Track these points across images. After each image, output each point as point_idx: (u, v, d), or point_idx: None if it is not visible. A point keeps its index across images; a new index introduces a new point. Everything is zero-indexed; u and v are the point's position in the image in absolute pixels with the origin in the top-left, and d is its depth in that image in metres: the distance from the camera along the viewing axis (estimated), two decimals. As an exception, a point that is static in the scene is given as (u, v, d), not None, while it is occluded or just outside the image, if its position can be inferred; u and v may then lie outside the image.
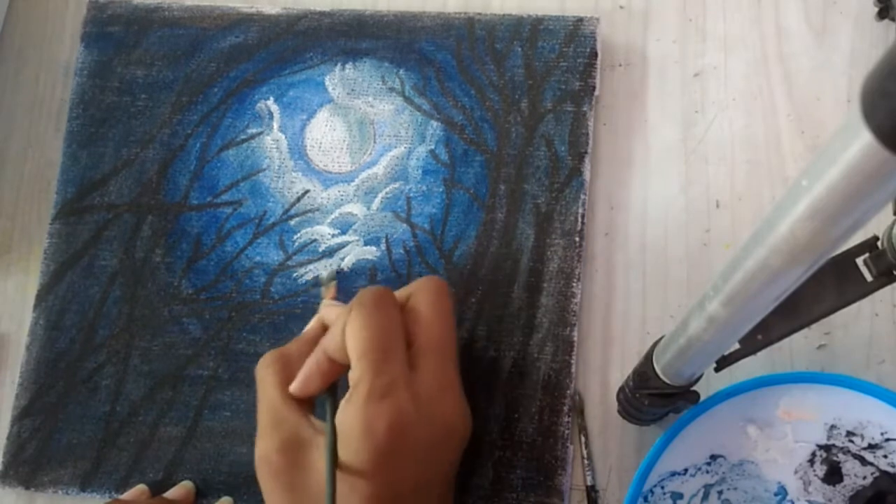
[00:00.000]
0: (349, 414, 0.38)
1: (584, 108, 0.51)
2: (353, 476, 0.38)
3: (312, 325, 0.45)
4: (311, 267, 0.51)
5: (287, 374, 0.42)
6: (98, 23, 0.57)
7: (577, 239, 0.49)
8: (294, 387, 0.41)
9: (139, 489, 0.48)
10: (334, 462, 0.38)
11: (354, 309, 0.40)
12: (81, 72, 0.56)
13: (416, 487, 0.39)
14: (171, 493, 0.48)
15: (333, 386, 0.42)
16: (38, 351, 0.51)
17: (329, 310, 0.45)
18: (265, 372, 0.42)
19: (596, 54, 0.51)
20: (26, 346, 0.52)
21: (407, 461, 0.39)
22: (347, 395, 0.39)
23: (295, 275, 0.51)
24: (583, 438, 0.47)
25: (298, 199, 0.52)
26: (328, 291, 0.47)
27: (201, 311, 0.51)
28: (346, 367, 0.41)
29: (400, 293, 0.43)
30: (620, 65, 0.53)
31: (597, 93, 0.51)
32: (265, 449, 0.40)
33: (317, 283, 0.50)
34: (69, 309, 0.52)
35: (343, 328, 0.40)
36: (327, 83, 0.54)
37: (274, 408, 0.41)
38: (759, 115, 0.51)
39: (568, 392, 0.47)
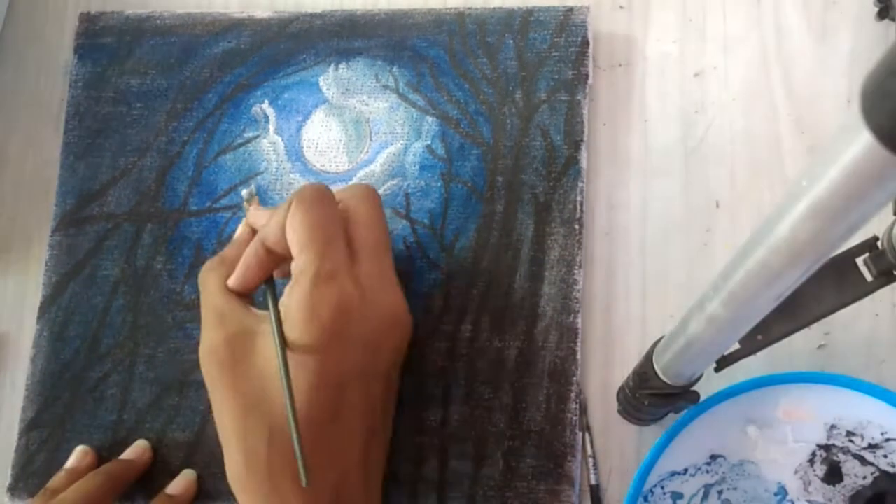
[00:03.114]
0: (295, 298, 0.40)
1: (578, 97, 0.51)
2: (301, 356, 0.40)
3: (241, 229, 0.48)
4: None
5: (227, 274, 0.44)
6: (90, 34, 0.57)
7: (576, 227, 0.49)
8: (233, 280, 0.43)
9: (82, 450, 0.49)
10: (283, 343, 0.40)
11: (296, 201, 0.41)
12: (76, 83, 0.56)
13: (361, 373, 0.41)
14: (172, 486, 0.47)
15: (271, 277, 0.44)
16: (44, 363, 0.51)
17: (257, 214, 0.47)
18: (206, 276, 0.44)
19: (588, 43, 0.51)
20: (31, 358, 0.52)
21: (352, 344, 0.41)
22: (291, 281, 0.41)
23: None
24: (587, 437, 0.47)
25: (297, 200, 0.52)
26: (251, 205, 0.50)
27: (205, 317, 0.51)
28: (283, 259, 0.43)
29: (334, 191, 0.44)
30: (620, 65, 0.53)
31: (590, 81, 0.51)
32: (211, 341, 0.42)
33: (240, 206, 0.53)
34: (73, 320, 0.52)
35: (283, 220, 0.41)
36: (321, 84, 0.54)
37: (216, 305, 0.43)
38: (759, 115, 0.51)
39: (574, 379, 0.47)
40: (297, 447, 0.38)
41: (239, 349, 0.41)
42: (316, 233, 0.41)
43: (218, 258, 0.45)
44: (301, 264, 0.41)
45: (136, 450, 0.49)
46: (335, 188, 0.44)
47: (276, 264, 0.44)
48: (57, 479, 0.47)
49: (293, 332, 0.40)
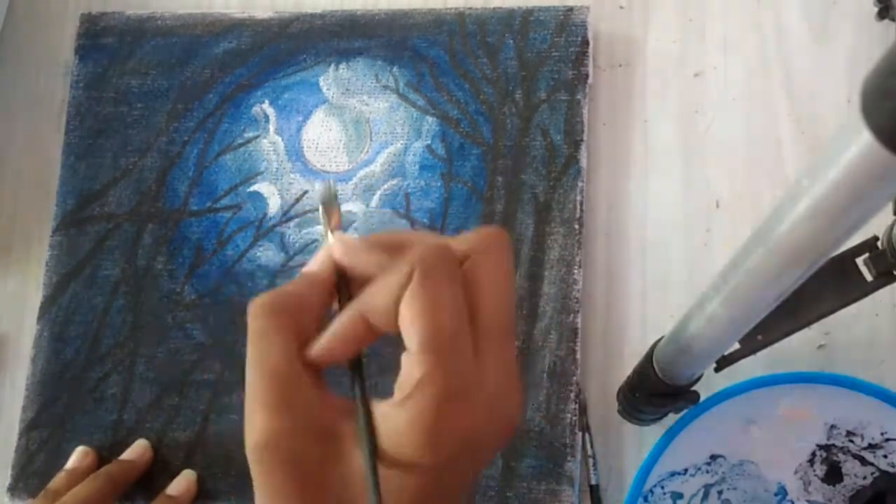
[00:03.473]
0: (408, 413, 0.30)
1: (578, 97, 0.51)
2: (402, 475, 0.30)
3: (321, 263, 0.33)
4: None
5: (298, 331, 0.31)
6: (92, 35, 0.57)
7: (576, 227, 0.49)
8: (317, 351, 0.31)
9: (82, 451, 0.48)
10: (375, 454, 0.30)
11: (419, 274, 0.30)
12: (77, 84, 0.56)
13: (463, 486, 0.33)
14: (173, 486, 0.47)
15: (359, 358, 0.32)
16: (44, 363, 0.51)
17: (352, 249, 0.33)
18: (267, 325, 0.30)
19: (588, 43, 0.51)
20: (31, 358, 0.52)
21: (469, 463, 0.32)
22: (402, 386, 0.30)
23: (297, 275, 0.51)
24: (587, 437, 0.47)
25: (297, 200, 0.52)
26: (331, 217, 0.34)
27: (205, 317, 0.51)
28: (382, 335, 0.32)
29: (451, 242, 0.33)
30: (621, 65, 0.53)
31: (590, 81, 0.51)
32: (271, 430, 0.30)
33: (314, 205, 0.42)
34: (73, 320, 0.52)
35: (397, 295, 0.30)
36: (322, 84, 0.54)
37: (282, 376, 0.30)
38: (759, 115, 0.51)
39: (574, 379, 0.47)
40: None
41: (313, 448, 0.30)
42: (444, 331, 0.30)
43: (283, 299, 0.31)
44: (420, 371, 0.30)
45: (137, 450, 0.48)
46: (454, 240, 0.32)
47: (371, 341, 0.32)
48: (57, 481, 0.47)
49: (397, 447, 0.30)
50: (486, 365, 0.31)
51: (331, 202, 0.34)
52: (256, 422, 0.30)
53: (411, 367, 0.30)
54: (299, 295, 0.31)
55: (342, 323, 0.31)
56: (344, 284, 0.32)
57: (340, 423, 0.31)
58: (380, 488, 0.29)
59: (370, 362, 0.32)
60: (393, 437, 0.30)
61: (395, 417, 0.30)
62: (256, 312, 0.31)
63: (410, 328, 0.30)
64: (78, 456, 0.49)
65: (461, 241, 0.32)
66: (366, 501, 0.29)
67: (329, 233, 0.34)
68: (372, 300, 0.31)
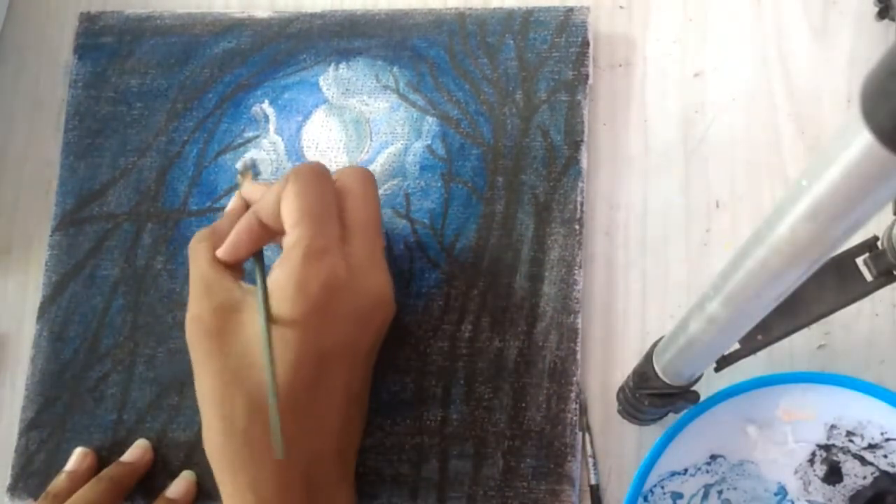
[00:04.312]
0: (284, 272, 0.41)
1: (579, 98, 0.51)
2: (285, 329, 0.40)
3: (235, 202, 0.48)
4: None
5: (217, 246, 0.44)
6: (90, 34, 0.57)
7: (576, 227, 0.49)
8: (223, 250, 0.44)
9: (82, 452, 0.49)
10: (268, 317, 0.40)
11: (292, 178, 0.42)
12: (76, 83, 0.56)
13: (343, 351, 0.42)
14: (172, 489, 0.47)
15: (260, 251, 0.45)
16: (43, 363, 0.51)
17: (252, 188, 0.48)
18: (196, 246, 0.44)
19: (588, 43, 0.51)
20: (31, 358, 0.52)
21: (336, 321, 0.41)
22: (282, 255, 0.42)
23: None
24: (587, 437, 0.47)
25: (298, 200, 0.52)
26: (245, 179, 0.50)
27: (205, 317, 0.51)
28: (274, 233, 0.44)
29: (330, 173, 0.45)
30: (620, 65, 0.53)
31: (590, 81, 0.51)
32: (197, 310, 0.42)
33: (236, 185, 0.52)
34: (72, 320, 0.52)
35: (278, 195, 0.42)
36: (321, 84, 0.54)
37: (205, 275, 0.43)
38: (759, 115, 0.51)
39: (574, 379, 0.47)
40: (274, 419, 0.39)
41: (225, 320, 0.42)
42: (310, 209, 0.41)
43: (209, 229, 0.45)
44: (293, 239, 0.41)
45: (137, 451, 0.49)
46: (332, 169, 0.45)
47: (267, 238, 0.44)
48: (58, 483, 0.47)
49: (280, 305, 0.41)
50: (352, 249, 0.42)
51: (245, 170, 0.51)
52: (190, 307, 0.43)
53: (287, 242, 0.41)
54: (220, 225, 0.46)
55: (239, 226, 0.44)
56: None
57: (246, 298, 0.42)
58: (271, 338, 0.40)
59: None
60: (275, 296, 0.41)
61: (274, 280, 0.41)
62: (192, 241, 0.45)
63: (286, 213, 0.42)
64: (77, 457, 0.49)
65: (336, 171, 0.45)
66: (261, 354, 0.40)
67: (241, 181, 0.50)
68: (261, 204, 0.44)
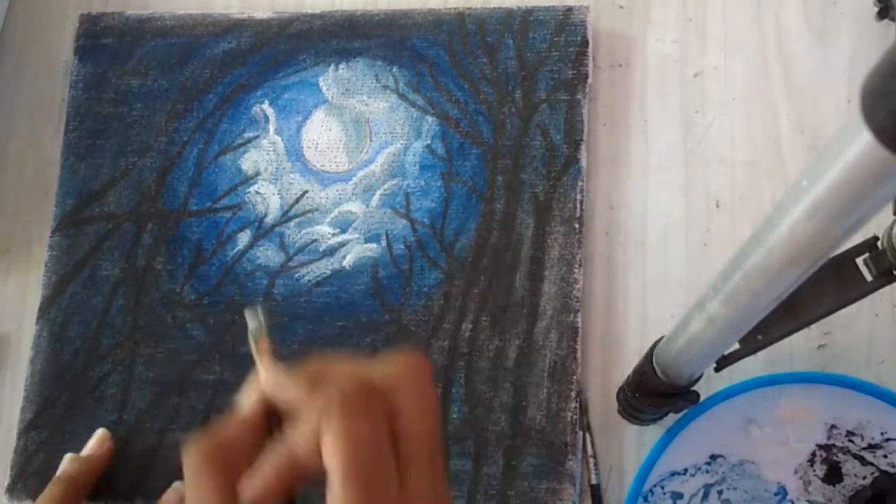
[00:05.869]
0: None
1: (578, 97, 0.51)
2: None
3: (252, 403, 0.35)
4: (312, 267, 0.51)
5: (229, 474, 0.32)
6: (91, 35, 0.57)
7: (576, 226, 0.49)
8: (250, 494, 0.32)
9: (100, 435, 0.48)
10: None
11: (338, 407, 0.31)
12: (77, 84, 0.56)
13: None
14: (163, 501, 0.47)
15: (292, 495, 0.33)
16: (43, 363, 0.51)
17: (276, 381, 0.34)
18: (200, 466, 0.33)
19: (587, 42, 0.51)
20: (30, 359, 0.52)
21: None
22: None
23: (297, 276, 0.51)
24: (587, 436, 0.47)
25: (297, 200, 0.52)
26: (261, 346, 0.35)
27: (205, 317, 0.51)
28: (312, 472, 0.33)
29: (371, 372, 0.34)
30: (620, 65, 0.53)
31: (590, 81, 0.51)
32: None
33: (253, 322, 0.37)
34: (72, 320, 0.52)
35: (316, 430, 0.31)
36: (321, 84, 0.54)
37: None
38: (759, 115, 0.51)
39: (574, 378, 0.47)
40: None
41: None
42: (362, 463, 0.31)
43: (215, 442, 0.33)
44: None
45: (95, 442, 0.48)
46: (374, 368, 0.34)
47: (302, 480, 0.33)
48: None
49: None
50: (411, 492, 0.32)
51: (259, 331, 0.35)
52: None
53: (332, 500, 0.31)
54: (227, 434, 0.33)
55: (270, 465, 0.32)
56: (276, 422, 0.34)
57: None
58: None
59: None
60: None
61: None
62: (190, 454, 0.32)
63: (331, 464, 0.31)
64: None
65: (382, 369, 0.33)
66: None
67: (259, 363, 0.34)
68: (295, 438, 0.32)
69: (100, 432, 0.48)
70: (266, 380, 0.34)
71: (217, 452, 0.33)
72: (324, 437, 0.31)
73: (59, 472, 0.47)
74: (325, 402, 0.32)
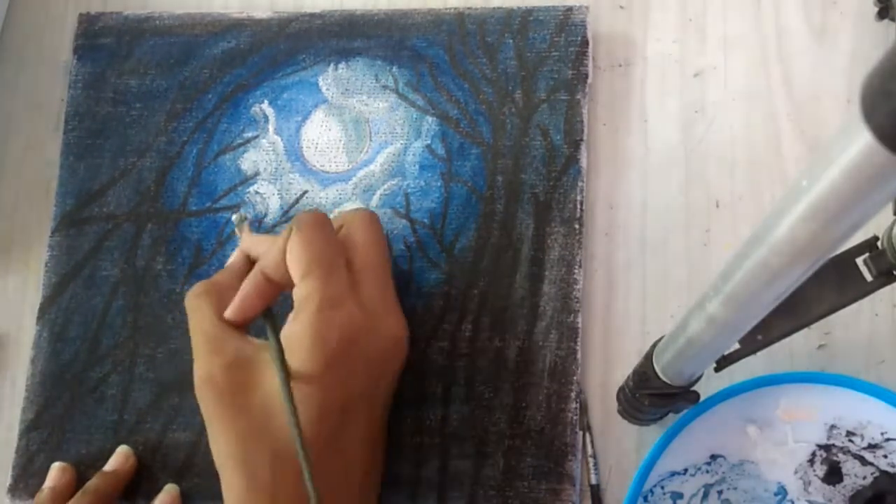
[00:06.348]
0: (299, 325, 0.40)
1: (578, 97, 0.51)
2: (305, 385, 0.39)
3: (236, 257, 0.46)
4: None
5: (220, 302, 0.42)
6: (90, 35, 0.57)
7: (576, 226, 0.49)
8: (232, 311, 0.42)
9: (59, 467, 0.48)
10: (286, 373, 0.39)
11: (295, 228, 0.41)
12: (75, 84, 0.56)
13: (363, 398, 0.41)
14: (158, 502, 0.47)
15: (269, 308, 0.43)
16: (44, 363, 0.51)
17: (252, 240, 0.45)
18: (198, 301, 0.43)
19: (587, 42, 0.51)
20: (31, 359, 0.52)
21: (356, 368, 0.41)
22: (295, 310, 0.41)
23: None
24: (587, 437, 0.47)
25: (297, 200, 0.52)
26: (242, 230, 0.47)
27: (205, 317, 0.51)
28: (283, 287, 0.42)
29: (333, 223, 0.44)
30: (620, 65, 0.53)
31: (590, 81, 0.51)
32: (207, 369, 0.40)
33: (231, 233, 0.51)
34: (72, 320, 0.52)
35: (283, 248, 0.41)
36: (321, 84, 0.54)
37: (210, 332, 0.41)
38: (759, 115, 0.51)
39: (574, 378, 0.47)
40: (307, 476, 0.38)
41: (239, 377, 0.40)
42: (318, 259, 0.40)
43: (207, 283, 0.43)
44: (304, 291, 0.40)
45: (119, 458, 0.48)
46: (333, 213, 0.44)
47: (276, 293, 0.43)
48: (42, 499, 0.47)
49: (297, 360, 0.39)
50: (364, 292, 0.42)
51: (240, 222, 0.47)
52: (196, 367, 0.41)
53: (298, 294, 0.40)
54: (220, 279, 0.44)
55: (246, 286, 0.42)
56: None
57: (258, 355, 0.41)
58: (293, 398, 0.38)
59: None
60: (292, 351, 0.39)
61: (289, 334, 0.40)
62: (190, 295, 0.43)
63: (293, 266, 0.40)
64: (55, 473, 0.48)
65: (335, 219, 0.44)
66: (282, 414, 0.38)
67: (239, 235, 0.47)
68: (265, 258, 0.42)
69: (123, 449, 0.49)
70: (244, 240, 0.46)
71: (211, 286, 0.43)
72: (288, 250, 0.41)
73: (85, 486, 0.47)
74: (287, 230, 0.41)
